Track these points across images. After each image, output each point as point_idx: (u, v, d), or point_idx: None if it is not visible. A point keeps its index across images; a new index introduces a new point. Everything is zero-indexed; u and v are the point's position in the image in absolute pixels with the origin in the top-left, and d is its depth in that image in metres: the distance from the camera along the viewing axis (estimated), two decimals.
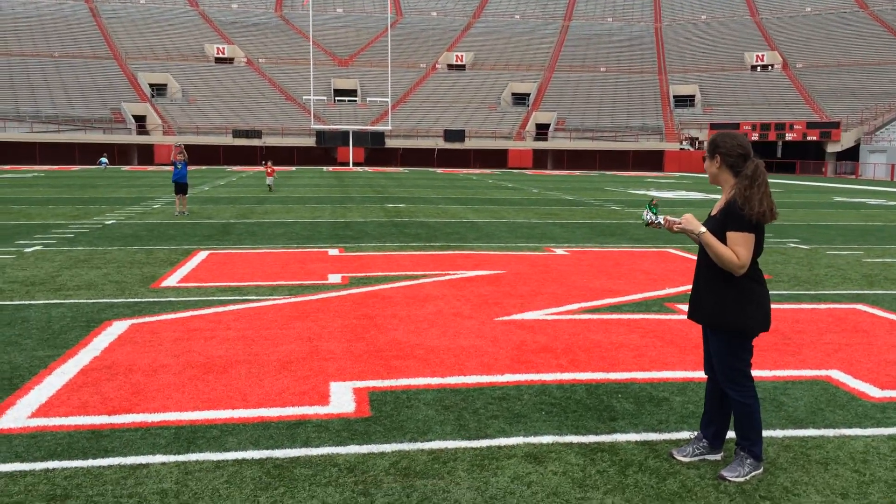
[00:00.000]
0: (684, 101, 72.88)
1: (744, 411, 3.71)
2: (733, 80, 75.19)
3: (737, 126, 62.26)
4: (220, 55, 78.15)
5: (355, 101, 72.30)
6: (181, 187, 17.07)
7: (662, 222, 3.74)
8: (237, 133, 61.38)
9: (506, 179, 40.77)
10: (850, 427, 4.39)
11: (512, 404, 4.73)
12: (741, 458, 3.72)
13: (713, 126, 63.52)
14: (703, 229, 3.62)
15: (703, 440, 3.94)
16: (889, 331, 6.77)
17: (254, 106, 67.84)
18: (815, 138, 59.56)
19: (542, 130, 67.76)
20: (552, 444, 4.12)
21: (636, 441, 4.17)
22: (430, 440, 4.14)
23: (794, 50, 79.03)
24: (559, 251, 11.92)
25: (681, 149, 64.50)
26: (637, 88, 75.99)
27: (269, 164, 27.94)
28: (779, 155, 65.80)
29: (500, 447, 4.06)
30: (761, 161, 3.71)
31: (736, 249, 3.55)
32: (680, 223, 3.67)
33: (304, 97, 67.00)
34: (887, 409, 4.71)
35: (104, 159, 53.18)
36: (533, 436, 4.22)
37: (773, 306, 7.76)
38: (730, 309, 3.64)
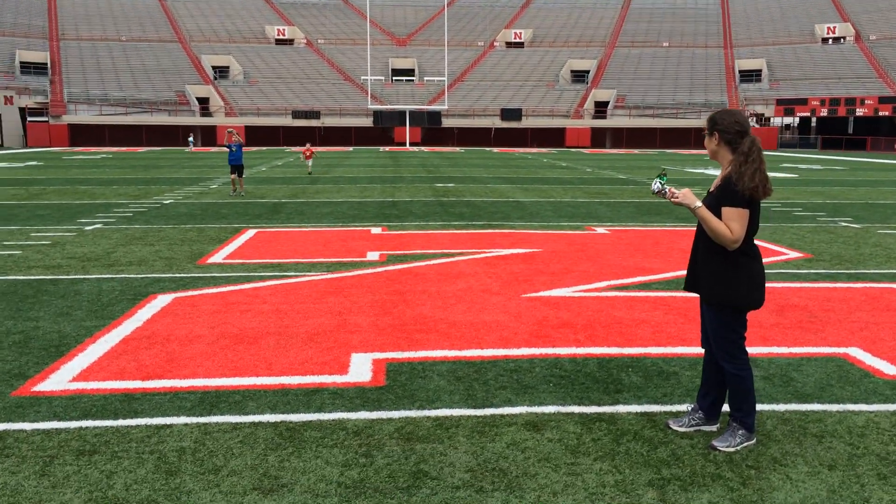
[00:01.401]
0: (750, 76, 70.79)
1: (737, 383, 3.79)
2: (802, 54, 72.63)
3: (805, 102, 60.37)
4: (281, 36, 79.32)
5: (413, 80, 72.55)
6: (237, 169, 17.59)
7: (666, 192, 3.79)
8: (296, 114, 62.43)
9: (561, 158, 40.51)
10: (856, 403, 4.42)
11: (522, 376, 4.90)
12: (733, 429, 3.81)
13: (780, 102, 61.68)
14: (699, 203, 3.69)
15: (700, 412, 4.04)
16: None
17: (313, 86, 68.77)
18: (887, 113, 57.25)
19: (600, 108, 66.85)
20: (554, 413, 4.27)
21: (637, 412, 4.30)
22: (438, 408, 4.34)
23: (867, 21, 75.73)
24: (600, 230, 11.94)
25: None
26: (701, 64, 74.13)
27: (308, 146, 27.33)
28: (850, 131, 63.50)
29: (502, 416, 4.24)
30: (757, 138, 3.77)
31: (730, 224, 3.63)
32: (678, 196, 3.74)
33: (362, 77, 67.62)
34: None
35: (191, 139, 55.46)
36: (537, 406, 4.38)
37: (807, 285, 7.77)
38: (724, 283, 3.72)
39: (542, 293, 7.32)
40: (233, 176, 17.58)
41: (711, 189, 3.84)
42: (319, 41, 78.96)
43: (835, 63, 69.00)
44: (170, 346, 5.45)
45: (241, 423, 4.10)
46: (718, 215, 3.67)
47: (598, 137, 64.30)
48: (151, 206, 14.93)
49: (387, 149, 55.75)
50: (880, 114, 57.71)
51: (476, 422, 4.15)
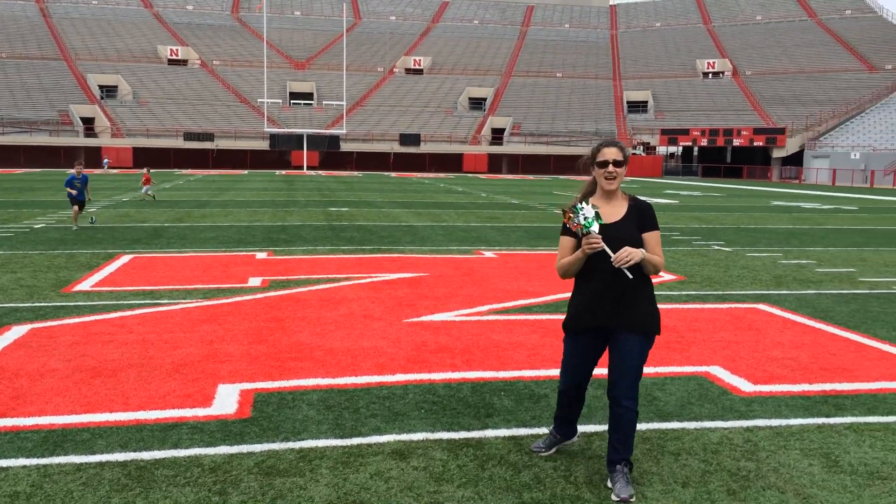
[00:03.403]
0: (637, 106, 74.04)
1: (634, 421, 3.62)
2: (685, 87, 76.61)
3: (687, 132, 63.49)
4: (174, 57, 77.20)
5: (311, 104, 72.00)
6: (79, 203, 14.64)
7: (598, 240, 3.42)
8: (188, 136, 60.70)
9: (458, 183, 40.98)
10: (713, 420, 4.58)
11: (394, 403, 4.82)
12: (626, 473, 3.59)
13: (664, 132, 64.66)
14: (643, 252, 3.49)
15: (558, 435, 4.07)
16: (780, 329, 7.03)
17: (206, 108, 67.12)
18: (761, 144, 60.97)
19: (497, 135, 68.23)
20: (422, 440, 4.22)
21: (504, 436, 4.29)
22: (303, 439, 4.20)
23: (743, 57, 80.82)
24: (488, 254, 12.07)
25: (633, 153, 65.39)
26: (592, 94, 76.97)
27: (147, 170, 24.85)
28: (728, 160, 67.18)
29: (369, 445, 4.15)
30: None
31: (658, 249, 3.60)
32: (622, 259, 3.41)
33: (259, 100, 66.52)
34: (753, 402, 4.91)
35: (106, 160, 53.82)
36: (405, 433, 4.31)
37: (678, 306, 8.07)
38: (655, 309, 3.65)
39: (423, 318, 7.29)
40: (74, 208, 14.58)
41: (611, 222, 3.55)
42: (214, 62, 77.29)
43: (714, 96, 73.09)
44: (18, 382, 5.08)
45: (86, 463, 3.83)
46: (634, 244, 3.51)
47: (495, 163, 65.52)
48: (19, 231, 14.06)
49: (283, 172, 54.89)
50: (755, 144, 61.38)
51: (342, 452, 4.04)
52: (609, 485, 3.62)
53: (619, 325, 3.58)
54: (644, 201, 3.64)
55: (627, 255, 3.40)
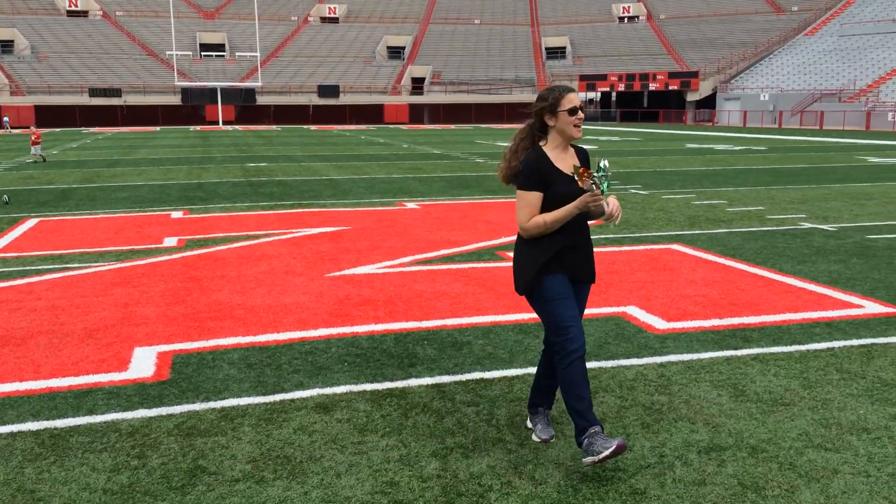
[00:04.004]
0: (555, 53, 74.32)
1: None
2: (601, 32, 77.21)
3: (605, 77, 64.23)
4: (73, 7, 73.01)
5: (223, 55, 69.53)
6: None
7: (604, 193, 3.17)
8: (94, 92, 57.95)
9: (379, 135, 40.54)
10: (629, 358, 4.73)
11: (317, 358, 4.80)
12: (548, 414, 3.66)
13: (583, 77, 65.24)
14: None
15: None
16: (693, 268, 7.28)
17: (112, 62, 64.06)
18: (676, 88, 62.27)
19: (417, 84, 67.55)
20: (345, 393, 4.22)
21: (428, 385, 4.34)
22: (224, 399, 4.15)
23: (657, 1, 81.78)
24: (411, 205, 12.03)
25: None
26: (510, 41, 76.80)
27: (33, 128, 23.24)
28: (645, 104, 68.46)
29: (292, 400, 4.13)
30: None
31: None
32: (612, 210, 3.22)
33: (168, 52, 63.83)
34: (667, 339, 5.10)
35: (6, 119, 50.30)
36: (329, 387, 4.31)
37: (597, 250, 8.25)
38: None
39: (346, 272, 7.24)
40: None
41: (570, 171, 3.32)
42: (117, 13, 73.52)
43: (630, 41, 73.99)
44: None
45: None
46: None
47: (416, 113, 65.00)
48: None
49: (197, 128, 53.13)
50: (670, 88, 62.67)
51: (264, 409, 4.01)
52: (529, 425, 3.71)
53: (579, 278, 3.40)
54: (581, 147, 3.52)
55: (619, 210, 3.23)
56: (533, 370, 4.54)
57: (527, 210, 3.28)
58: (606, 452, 3.11)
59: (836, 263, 7.43)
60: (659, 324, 5.43)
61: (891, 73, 52.33)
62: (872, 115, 46.37)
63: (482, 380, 4.41)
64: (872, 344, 4.97)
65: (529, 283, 3.35)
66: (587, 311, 5.77)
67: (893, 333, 5.19)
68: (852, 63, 56.26)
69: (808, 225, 9.80)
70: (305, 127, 56.09)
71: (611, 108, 70.83)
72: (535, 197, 3.27)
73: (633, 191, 13.68)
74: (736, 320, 5.52)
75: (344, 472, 3.31)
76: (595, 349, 4.90)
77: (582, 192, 3.22)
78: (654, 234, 9.19)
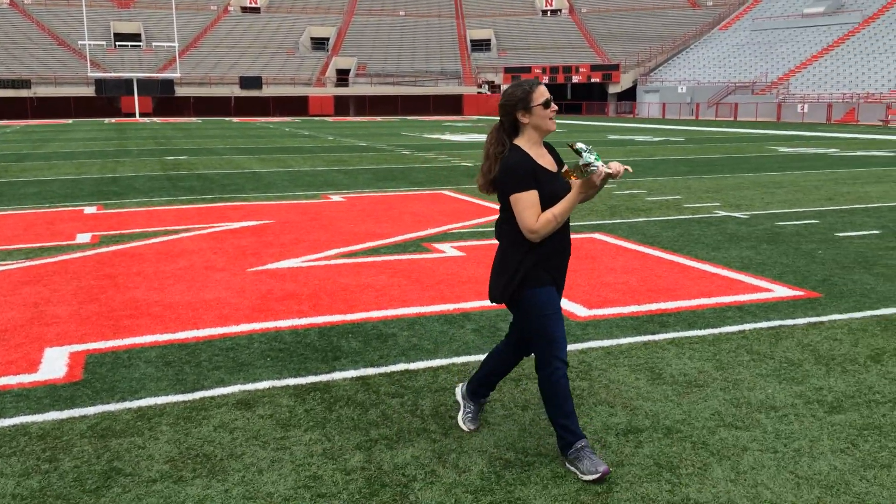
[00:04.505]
0: (480, 45, 74.74)
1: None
2: (525, 25, 78.04)
3: (529, 69, 64.98)
4: None
5: (139, 46, 67.31)
6: None
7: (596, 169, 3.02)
8: (2, 83, 55.22)
9: (304, 127, 40.01)
10: None
11: (239, 354, 4.72)
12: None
13: (507, 70, 65.84)
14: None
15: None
16: (613, 256, 7.45)
17: (20, 52, 61.20)
18: (598, 80, 63.53)
19: (342, 76, 66.90)
20: (268, 388, 4.16)
21: (352, 377, 4.32)
22: (140, 398, 4.03)
23: None
24: (336, 198, 11.92)
25: (478, 92, 66.34)
26: (436, 33, 76.84)
27: None
28: (568, 97, 69.60)
29: (212, 397, 4.04)
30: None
31: None
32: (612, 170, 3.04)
33: (80, 42, 61.38)
34: (588, 326, 5.21)
35: None
36: (251, 383, 4.24)
37: None
38: None
39: (269, 266, 7.13)
40: None
41: (554, 169, 3.23)
42: (26, 1, 70.20)
43: (553, 33, 75.05)
44: None
45: None
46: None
47: (342, 105, 64.38)
48: None
49: (113, 120, 51.30)
50: (592, 80, 63.90)
51: (183, 407, 3.91)
52: (463, 415, 3.64)
53: (562, 283, 3.31)
54: (548, 143, 3.35)
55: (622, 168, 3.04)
56: (458, 360, 4.57)
57: (531, 211, 3.08)
58: (592, 478, 3.11)
59: (748, 249, 7.72)
60: (580, 311, 5.54)
61: (799, 67, 54.65)
62: (783, 107, 48.34)
63: (407, 371, 4.41)
64: (780, 326, 5.20)
65: (510, 292, 3.20)
66: None
67: (800, 315, 5.43)
68: (764, 57, 58.50)
69: (722, 213, 10.15)
70: (227, 119, 54.86)
71: None
72: (535, 195, 3.09)
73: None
74: (654, 306, 5.68)
75: (266, 468, 3.27)
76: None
77: (568, 187, 3.15)
78: (576, 223, 9.36)
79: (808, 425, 3.64)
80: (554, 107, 3.16)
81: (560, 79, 64.33)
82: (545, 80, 64.62)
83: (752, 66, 57.74)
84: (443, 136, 30.00)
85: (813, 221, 9.39)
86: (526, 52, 71.03)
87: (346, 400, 4.00)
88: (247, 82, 61.87)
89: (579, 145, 3.04)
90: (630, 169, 3.11)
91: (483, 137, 28.84)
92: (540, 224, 3.08)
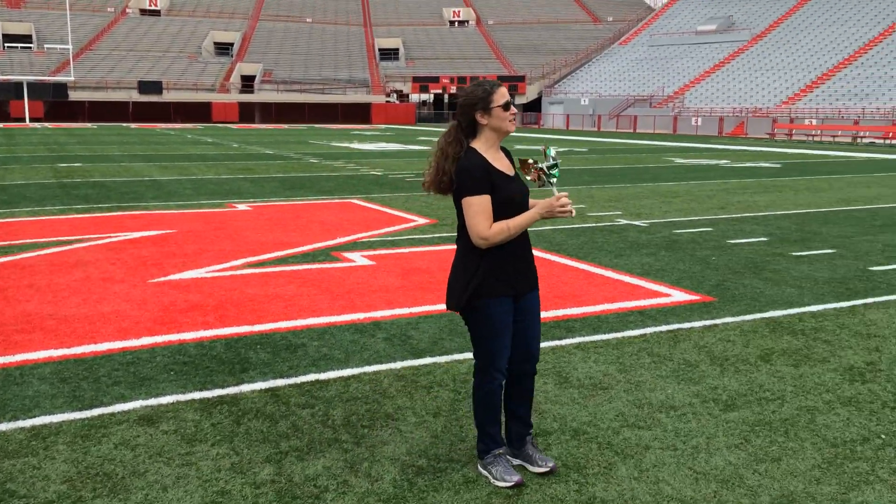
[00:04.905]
0: (389, 54, 74.79)
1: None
2: (433, 35, 78.64)
3: (437, 79, 65.50)
4: None
5: (30, 47, 64.03)
6: None
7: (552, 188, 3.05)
8: None
9: (207, 134, 38.99)
10: (462, 352, 4.87)
11: (140, 368, 4.55)
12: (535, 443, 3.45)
13: (416, 79, 66.14)
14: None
15: (504, 448, 3.37)
16: None
17: None
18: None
19: (248, 82, 65.56)
20: (172, 403, 4.04)
21: (261, 389, 4.24)
22: (34, 417, 3.84)
23: (486, 7, 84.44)
24: (242, 207, 11.68)
25: (387, 101, 66.34)
26: (343, 41, 76.41)
27: None
28: None
29: (112, 414, 3.89)
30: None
31: None
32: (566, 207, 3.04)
33: None
34: None
35: None
36: (153, 398, 4.10)
37: (431, 248, 8.42)
38: None
39: (171, 277, 6.91)
40: None
41: (511, 174, 3.19)
42: None
43: (461, 44, 75.91)
44: None
45: None
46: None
47: (247, 112, 63.05)
48: None
49: (0, 126, 48.58)
50: None
51: (81, 425, 3.75)
52: (525, 464, 3.34)
53: (525, 289, 3.21)
54: (505, 148, 3.28)
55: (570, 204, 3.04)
56: (369, 369, 4.56)
57: (483, 217, 3.00)
58: (503, 485, 3.15)
59: (648, 256, 8.02)
60: None
61: (693, 82, 57.22)
62: (678, 120, 50.45)
63: (317, 381, 4.37)
64: (678, 329, 5.43)
65: (465, 298, 3.12)
66: (420, 309, 5.87)
67: (696, 319, 5.69)
68: (661, 71, 60.94)
69: (623, 221, 10.51)
70: (125, 125, 52.87)
71: (444, 109, 72.29)
72: (488, 201, 3.01)
73: None
74: (560, 312, 5.82)
75: (171, 484, 3.17)
76: (430, 345, 4.99)
77: (526, 191, 3.15)
78: None
79: (705, 423, 3.81)
80: (514, 109, 3.11)
81: None
82: (453, 89, 65.31)
83: (650, 80, 60.06)
84: (351, 145, 29.84)
85: (707, 229, 9.85)
86: (434, 62, 71.56)
87: (254, 412, 3.92)
88: (146, 87, 59.79)
89: (551, 153, 3.05)
90: (573, 214, 3.05)
91: (392, 147, 28.88)
92: (492, 232, 3.02)
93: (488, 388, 3.20)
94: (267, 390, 4.23)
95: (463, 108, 3.11)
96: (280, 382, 4.35)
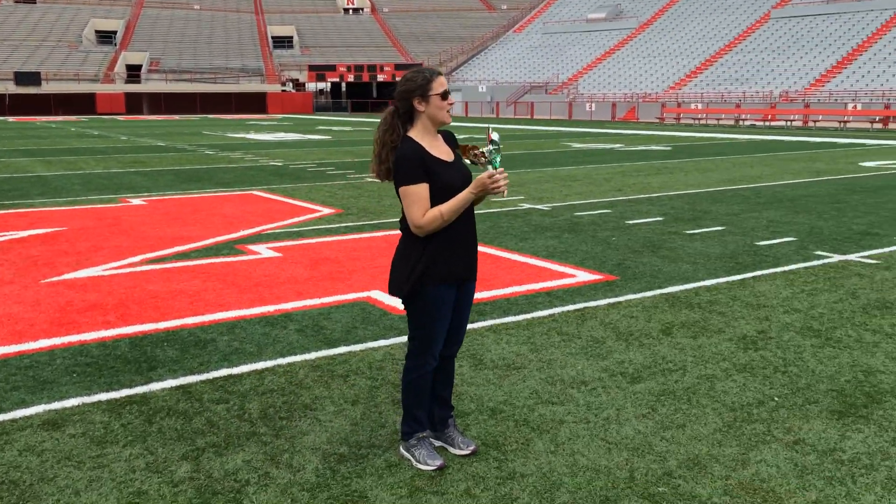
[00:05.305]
0: (282, 42, 73.28)
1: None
2: (327, 23, 77.56)
3: (334, 68, 64.68)
4: None
5: None
6: None
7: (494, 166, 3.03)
8: None
9: (92, 126, 37.20)
10: (376, 340, 4.88)
11: (40, 372, 4.35)
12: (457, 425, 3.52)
13: (311, 68, 65.09)
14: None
15: (429, 431, 3.43)
16: None
17: None
18: None
19: (134, 72, 62.85)
20: (77, 405, 3.88)
21: (171, 387, 4.13)
22: None
23: None
24: (136, 201, 11.24)
25: (283, 90, 65.06)
26: (234, 28, 74.30)
27: None
28: (374, 95, 70.08)
29: (13, 420, 3.70)
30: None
31: None
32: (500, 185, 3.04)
33: None
34: None
35: None
36: (56, 401, 3.93)
37: (338, 238, 8.37)
38: None
39: (65, 276, 6.60)
40: None
41: (451, 160, 3.17)
42: None
43: (356, 32, 75.20)
44: None
45: None
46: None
47: (134, 103, 60.45)
48: None
49: None
50: (397, 79, 64.47)
51: None
52: (445, 445, 3.40)
53: (467, 276, 3.23)
54: (447, 130, 3.27)
55: (506, 182, 3.03)
56: (283, 361, 4.51)
57: (419, 205, 2.99)
58: (426, 468, 3.20)
59: (552, 239, 8.25)
60: (401, 305, 5.63)
61: (586, 69, 58.80)
62: (574, 106, 51.77)
63: (230, 376, 4.29)
64: (585, 307, 5.62)
65: (409, 285, 3.13)
66: (333, 298, 5.84)
67: (601, 297, 5.90)
68: (555, 59, 62.31)
69: (526, 206, 10.74)
70: (1, 118, 49.71)
71: (342, 98, 71.53)
72: (424, 189, 2.99)
73: (369, 179, 14.02)
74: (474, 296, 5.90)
75: (83, 488, 3.05)
76: (343, 335, 4.98)
77: (467, 175, 3.14)
78: (391, 220, 9.50)
79: (614, 396, 3.98)
80: (451, 99, 3.10)
81: (365, 77, 64.65)
82: (350, 78, 64.73)
83: (545, 67, 61.31)
84: (248, 136, 29.14)
85: (606, 211, 10.20)
86: (330, 50, 70.63)
87: (166, 411, 3.82)
88: (23, 78, 56.42)
89: (495, 136, 3.03)
90: (505, 191, 3.06)
91: (291, 137, 28.39)
92: (426, 220, 3.00)
93: (422, 371, 3.25)
94: (178, 388, 4.12)
95: (402, 94, 3.10)
96: (191, 379, 4.25)
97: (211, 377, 4.27)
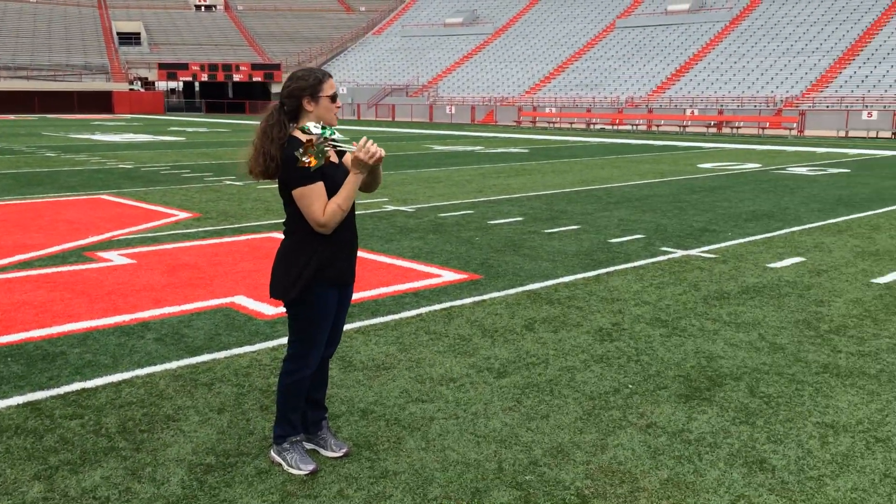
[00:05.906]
0: (129, 38, 69.65)
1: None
2: (178, 19, 74.48)
3: (186, 67, 62.18)
4: None
5: None
6: None
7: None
8: None
9: None
10: (241, 346, 4.77)
11: None
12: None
13: (162, 66, 62.28)
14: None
15: (303, 435, 3.40)
16: None
17: None
18: (260, 79, 63.02)
19: None
20: None
21: (18, 404, 3.86)
22: None
23: None
24: None
25: (131, 89, 61.85)
26: (76, 23, 69.84)
27: None
28: (230, 95, 67.99)
29: None
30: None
31: None
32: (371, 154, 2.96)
33: None
34: (276, 324, 5.24)
35: None
36: None
37: (197, 243, 8.08)
38: None
39: None
40: None
41: (339, 161, 3.16)
42: None
43: (209, 30, 72.66)
44: None
45: None
46: None
47: None
48: None
49: None
50: (254, 79, 63.20)
51: None
52: (316, 448, 3.38)
53: (348, 280, 3.24)
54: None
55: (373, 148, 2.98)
56: (141, 372, 4.32)
57: (319, 203, 2.96)
58: (298, 473, 3.16)
59: (417, 240, 8.34)
60: (267, 310, 5.55)
61: (445, 72, 59.75)
62: (434, 108, 52.45)
63: (84, 390, 4.06)
64: (451, 306, 5.74)
65: (297, 289, 3.07)
66: (194, 305, 5.65)
67: (466, 296, 6.04)
68: (414, 62, 62.88)
69: (391, 207, 10.80)
70: None
71: (195, 98, 68.87)
72: (321, 187, 2.97)
73: (228, 182, 13.61)
74: None
75: None
76: (206, 342, 4.83)
77: (344, 172, 3.09)
78: (253, 223, 9.28)
79: (482, 391, 4.10)
80: (339, 103, 3.10)
81: (220, 77, 62.58)
82: (204, 77, 62.48)
83: (405, 70, 61.76)
84: (93, 137, 27.49)
85: (469, 212, 10.43)
86: (181, 48, 67.82)
87: (14, 429, 3.57)
88: None
89: (308, 126, 2.95)
90: (383, 152, 3.02)
91: (141, 138, 27.06)
92: (328, 216, 2.98)
93: (302, 375, 3.21)
94: (26, 404, 3.86)
95: (291, 93, 3.04)
96: (40, 395, 3.98)
97: (62, 392, 4.02)
